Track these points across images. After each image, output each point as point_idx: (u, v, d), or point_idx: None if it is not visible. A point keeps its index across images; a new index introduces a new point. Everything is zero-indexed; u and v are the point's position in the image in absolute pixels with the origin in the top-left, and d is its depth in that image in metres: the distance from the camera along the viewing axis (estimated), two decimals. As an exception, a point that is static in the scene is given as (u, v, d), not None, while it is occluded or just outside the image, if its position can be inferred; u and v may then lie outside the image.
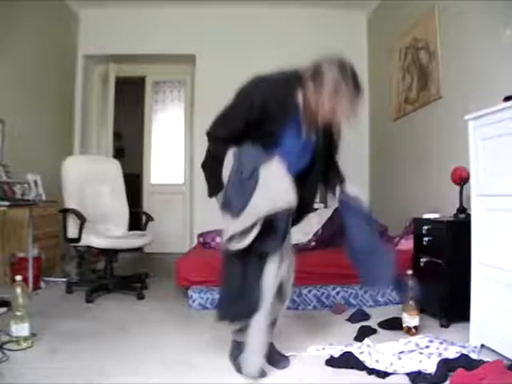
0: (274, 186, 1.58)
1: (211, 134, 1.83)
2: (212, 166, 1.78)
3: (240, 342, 1.90)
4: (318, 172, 1.92)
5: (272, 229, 1.60)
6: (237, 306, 1.74)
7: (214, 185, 1.78)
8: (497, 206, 1.95)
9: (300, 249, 2.82)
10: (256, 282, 1.67)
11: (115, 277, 3.46)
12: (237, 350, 1.91)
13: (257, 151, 1.67)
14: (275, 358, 1.94)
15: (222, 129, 1.78)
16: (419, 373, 1.77)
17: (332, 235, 3.24)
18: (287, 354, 1.99)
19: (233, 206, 1.61)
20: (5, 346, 2.05)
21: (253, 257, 1.66)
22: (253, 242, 1.59)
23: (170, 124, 5.83)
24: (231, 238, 1.61)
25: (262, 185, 1.58)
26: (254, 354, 1.72)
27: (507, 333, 1.86)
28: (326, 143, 1.90)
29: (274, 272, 1.68)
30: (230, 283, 1.76)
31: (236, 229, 1.58)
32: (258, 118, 1.70)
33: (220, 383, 1.80)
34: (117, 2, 4.96)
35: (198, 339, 2.28)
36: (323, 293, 2.91)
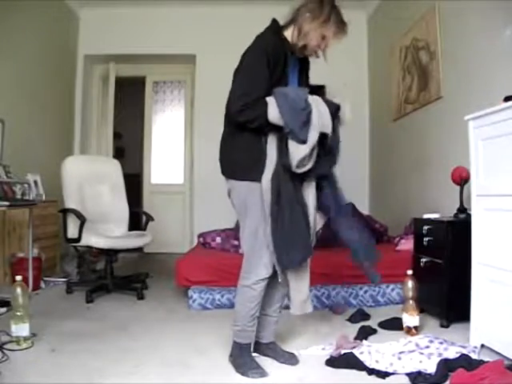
0: (321, 110, 1.79)
1: (245, 100, 1.76)
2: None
3: (240, 343, 1.91)
4: None
5: (324, 150, 1.83)
6: (298, 249, 1.81)
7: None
8: (497, 206, 1.94)
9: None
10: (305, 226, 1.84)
11: (115, 277, 3.46)
12: (237, 351, 1.91)
13: (292, 87, 1.86)
14: (283, 356, 1.97)
15: (255, 90, 1.76)
16: (419, 373, 1.77)
17: (332, 235, 3.24)
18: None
19: (301, 134, 1.74)
20: (5, 346, 2.05)
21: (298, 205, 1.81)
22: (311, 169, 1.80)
23: (170, 124, 5.83)
24: (303, 160, 1.75)
25: (314, 108, 1.77)
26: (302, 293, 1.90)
27: (507, 333, 1.86)
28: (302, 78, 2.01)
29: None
30: (286, 228, 1.79)
31: (308, 149, 1.74)
32: (272, 66, 1.80)
33: (220, 383, 1.80)
34: (117, 1, 4.96)
35: (197, 339, 2.28)
36: (323, 293, 2.91)
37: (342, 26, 1.86)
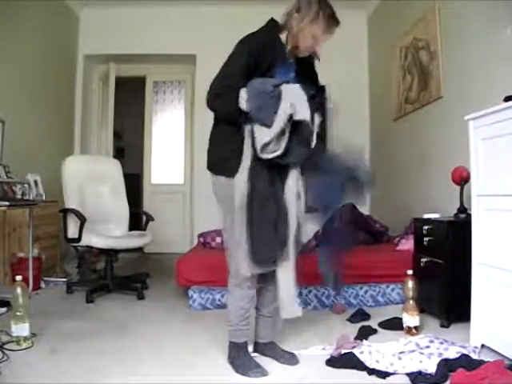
0: (295, 97, 1.73)
1: (219, 88, 1.82)
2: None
3: (236, 342, 1.91)
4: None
5: (297, 138, 1.75)
6: (269, 248, 1.76)
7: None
8: (497, 206, 1.94)
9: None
10: (282, 224, 1.78)
11: (115, 277, 3.45)
12: (234, 352, 1.91)
13: (269, 79, 1.78)
14: (283, 356, 1.97)
15: (228, 79, 1.80)
16: (420, 373, 1.77)
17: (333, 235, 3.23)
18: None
19: (265, 118, 1.71)
20: (5, 346, 2.05)
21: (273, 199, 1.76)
22: (281, 156, 1.73)
23: (171, 124, 5.83)
24: (267, 145, 1.71)
25: (286, 94, 1.72)
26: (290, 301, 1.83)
27: (507, 333, 1.85)
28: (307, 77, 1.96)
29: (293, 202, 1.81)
30: (259, 226, 1.75)
31: (272, 133, 1.69)
32: (253, 63, 1.79)
33: (220, 383, 1.80)
34: (117, 1, 4.96)
35: (198, 339, 2.28)
36: (323, 293, 2.90)
37: (331, 20, 1.83)
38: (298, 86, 1.77)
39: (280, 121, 1.70)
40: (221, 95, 1.78)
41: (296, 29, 1.82)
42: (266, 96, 1.71)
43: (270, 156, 1.73)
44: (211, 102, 1.82)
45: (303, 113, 1.72)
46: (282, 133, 1.71)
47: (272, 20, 1.94)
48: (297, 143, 1.77)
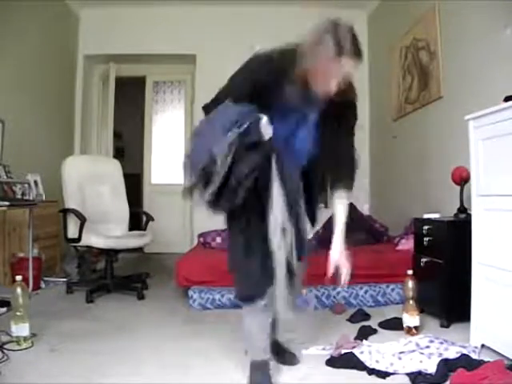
0: (215, 132, 1.45)
1: (207, 107, 1.66)
2: None
3: (260, 361, 1.75)
4: (319, 161, 1.75)
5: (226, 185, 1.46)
6: (252, 281, 1.63)
7: None
8: (497, 206, 1.94)
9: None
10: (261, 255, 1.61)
11: (115, 277, 3.45)
12: (257, 374, 1.72)
13: (240, 108, 1.51)
14: (283, 356, 1.95)
15: (219, 99, 1.61)
16: (420, 373, 1.77)
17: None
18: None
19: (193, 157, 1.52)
20: (5, 346, 2.05)
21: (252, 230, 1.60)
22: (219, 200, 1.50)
23: (171, 124, 5.83)
24: (192, 188, 1.52)
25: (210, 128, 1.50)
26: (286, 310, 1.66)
27: (508, 333, 1.85)
28: (330, 127, 1.70)
29: (277, 244, 1.59)
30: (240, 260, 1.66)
31: (193, 178, 1.50)
32: (250, 91, 1.56)
33: (220, 383, 1.80)
34: (117, 1, 4.96)
35: (198, 339, 2.28)
36: (323, 293, 2.90)
37: (349, 53, 1.46)
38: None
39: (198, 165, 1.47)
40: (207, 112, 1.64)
41: (310, 67, 1.50)
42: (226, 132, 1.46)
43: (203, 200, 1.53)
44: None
45: (218, 147, 1.43)
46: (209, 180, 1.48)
47: (293, 49, 1.56)
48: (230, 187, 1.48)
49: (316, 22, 1.52)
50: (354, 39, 1.46)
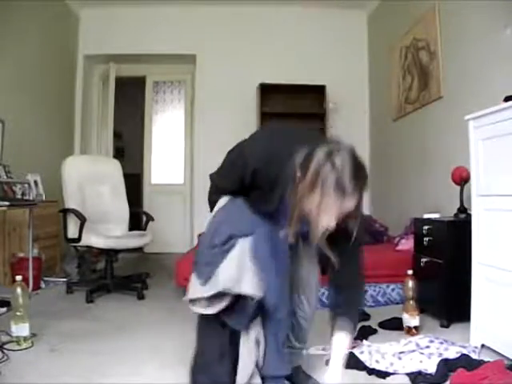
0: (244, 267, 1.34)
1: (212, 179, 1.62)
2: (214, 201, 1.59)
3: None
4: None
5: (240, 305, 1.38)
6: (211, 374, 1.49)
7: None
8: (497, 206, 1.94)
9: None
10: (232, 351, 1.46)
11: (115, 277, 3.45)
12: None
13: (248, 213, 1.44)
14: (301, 379, 1.77)
15: (220, 183, 1.57)
16: (420, 373, 1.77)
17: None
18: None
19: (199, 270, 1.43)
20: (5, 346, 2.05)
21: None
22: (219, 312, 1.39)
23: (170, 124, 5.83)
24: (195, 300, 1.42)
25: (233, 258, 1.36)
26: None
27: (508, 333, 1.86)
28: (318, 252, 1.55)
29: (248, 351, 1.45)
30: (206, 346, 1.54)
31: (202, 294, 1.38)
32: (249, 183, 1.45)
33: (220, 383, 1.80)
34: (117, 1, 4.96)
35: (198, 339, 2.28)
36: (324, 293, 2.90)
37: (354, 191, 1.18)
38: (266, 248, 1.38)
39: (213, 287, 1.35)
40: (216, 189, 1.58)
41: (293, 201, 1.27)
42: (209, 249, 1.40)
43: (198, 311, 1.44)
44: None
45: (249, 286, 1.32)
46: (216, 296, 1.36)
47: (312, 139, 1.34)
48: (238, 310, 1.39)
49: (306, 153, 1.24)
50: (355, 169, 1.19)
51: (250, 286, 1.32)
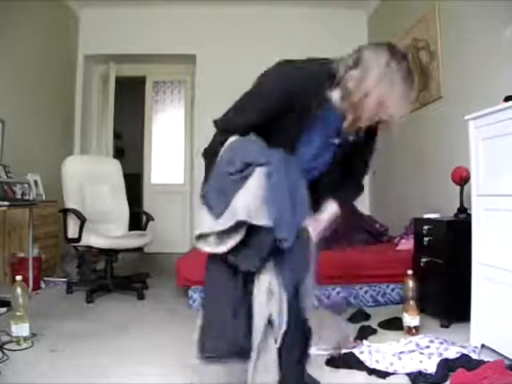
0: (262, 198, 1.25)
1: (219, 124, 1.49)
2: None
3: None
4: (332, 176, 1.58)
5: (250, 242, 1.26)
6: (223, 338, 1.34)
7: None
8: (497, 206, 1.94)
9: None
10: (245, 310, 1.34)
11: (115, 277, 3.45)
12: None
13: (261, 144, 1.35)
14: None
15: (234, 119, 1.45)
16: (420, 373, 1.77)
17: (333, 235, 3.24)
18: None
19: (211, 202, 1.31)
20: (5, 346, 2.05)
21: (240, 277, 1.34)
22: (227, 252, 1.26)
23: (170, 124, 5.83)
24: (206, 236, 1.27)
25: (250, 187, 1.26)
26: None
27: (507, 333, 1.86)
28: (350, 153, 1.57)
29: (262, 303, 1.32)
30: (215, 307, 1.39)
31: (214, 228, 1.25)
32: (276, 110, 1.37)
33: (219, 383, 1.80)
34: (117, 1, 4.96)
35: (198, 339, 2.28)
36: (324, 293, 2.90)
37: (408, 76, 1.33)
38: (281, 177, 1.27)
39: (227, 221, 1.22)
40: (224, 134, 1.44)
41: (356, 95, 1.28)
42: (225, 177, 1.28)
43: (208, 249, 1.28)
44: (217, 133, 1.50)
45: (263, 216, 1.22)
46: (228, 232, 1.23)
47: (325, 61, 1.41)
48: (251, 247, 1.26)
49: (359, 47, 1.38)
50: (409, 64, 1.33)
51: (267, 217, 1.22)
